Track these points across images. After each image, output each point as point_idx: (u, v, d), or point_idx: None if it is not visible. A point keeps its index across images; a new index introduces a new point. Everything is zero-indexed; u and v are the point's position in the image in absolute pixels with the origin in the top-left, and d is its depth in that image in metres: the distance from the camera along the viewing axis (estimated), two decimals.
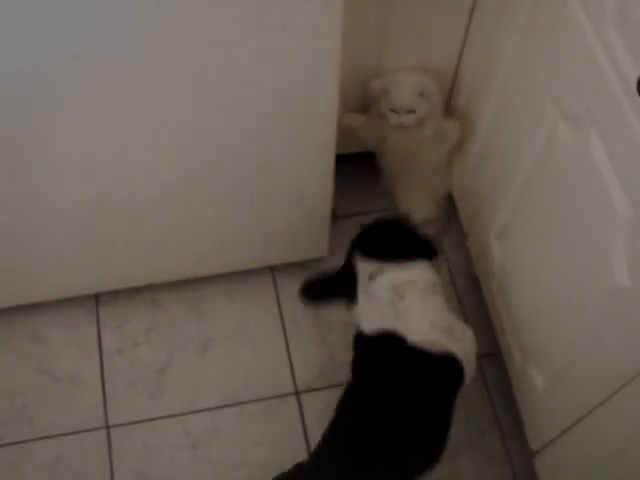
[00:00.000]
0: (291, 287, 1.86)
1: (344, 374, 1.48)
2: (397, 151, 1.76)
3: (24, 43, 1.14)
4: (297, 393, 1.75)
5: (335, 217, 1.86)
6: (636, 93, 1.00)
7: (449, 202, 1.89)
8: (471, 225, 1.76)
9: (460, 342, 1.40)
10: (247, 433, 1.71)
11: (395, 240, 1.50)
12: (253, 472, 1.66)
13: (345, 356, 1.49)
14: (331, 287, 1.56)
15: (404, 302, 1.39)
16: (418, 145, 1.74)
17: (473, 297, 1.84)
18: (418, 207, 1.84)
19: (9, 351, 1.77)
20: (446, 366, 1.38)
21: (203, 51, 1.23)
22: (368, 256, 1.45)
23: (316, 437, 1.40)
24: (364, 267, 1.44)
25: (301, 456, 1.46)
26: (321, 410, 1.70)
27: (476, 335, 1.81)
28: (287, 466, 1.40)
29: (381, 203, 1.91)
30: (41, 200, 1.46)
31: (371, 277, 1.42)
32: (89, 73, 1.21)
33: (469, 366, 1.41)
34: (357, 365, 1.44)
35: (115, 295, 1.83)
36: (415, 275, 1.42)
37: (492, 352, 1.78)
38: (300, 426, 1.71)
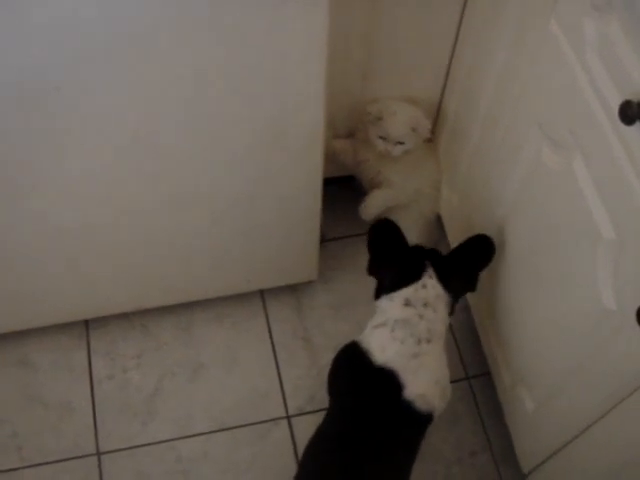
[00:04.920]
0: (281, 311, 1.86)
1: None
2: (378, 179, 1.78)
3: (8, 72, 1.15)
4: (288, 417, 1.75)
5: (323, 240, 1.87)
6: (618, 118, 1.01)
7: (438, 224, 1.90)
8: None
9: (443, 401, 1.40)
10: (238, 458, 1.70)
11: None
12: None
13: None
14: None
15: (429, 345, 1.37)
16: (397, 172, 1.76)
17: (462, 318, 1.85)
18: (404, 231, 1.85)
19: None
20: (423, 422, 1.37)
21: (188, 79, 1.24)
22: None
23: None
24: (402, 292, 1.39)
25: None
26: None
27: (466, 356, 1.83)
28: None
29: (369, 226, 1.91)
30: (28, 227, 1.46)
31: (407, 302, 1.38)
32: (73, 101, 1.22)
33: (437, 416, 1.41)
34: (340, 385, 1.43)
35: (105, 321, 1.82)
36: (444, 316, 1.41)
37: (483, 373, 1.78)
38: (292, 450, 1.70)
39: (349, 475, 1.31)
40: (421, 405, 1.34)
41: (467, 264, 1.46)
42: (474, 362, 1.81)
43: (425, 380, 1.35)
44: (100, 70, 1.18)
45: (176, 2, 1.11)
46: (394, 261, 1.44)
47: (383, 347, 1.36)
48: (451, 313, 1.44)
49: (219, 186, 1.48)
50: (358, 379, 1.39)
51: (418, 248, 1.47)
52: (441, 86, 1.71)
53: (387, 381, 1.34)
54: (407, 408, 1.33)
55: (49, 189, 1.39)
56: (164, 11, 1.12)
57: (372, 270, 1.47)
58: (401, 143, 1.69)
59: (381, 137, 1.69)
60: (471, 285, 1.47)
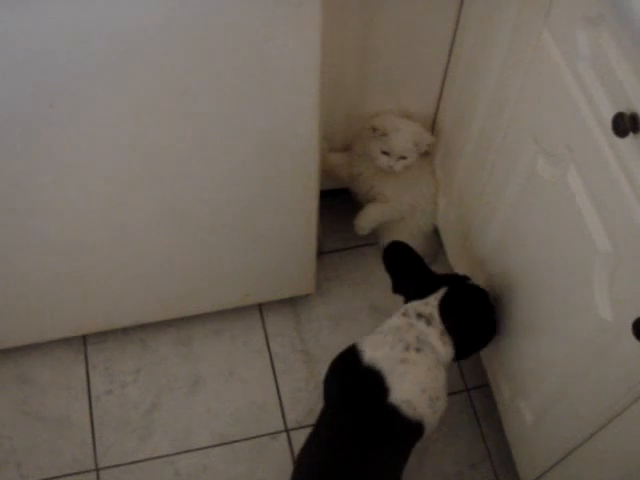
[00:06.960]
0: (279, 324, 1.86)
1: None
2: (372, 193, 1.78)
3: (2, 90, 1.15)
4: (287, 430, 1.74)
5: (321, 253, 1.86)
6: (611, 131, 1.01)
7: (435, 236, 1.89)
8: (457, 258, 1.77)
9: (435, 413, 1.40)
10: (237, 472, 1.69)
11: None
12: None
13: None
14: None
15: (418, 354, 1.38)
16: (391, 187, 1.76)
17: None
18: None
19: None
20: (412, 430, 1.38)
21: (184, 94, 1.24)
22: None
23: None
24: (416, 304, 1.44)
25: None
26: None
27: (465, 368, 1.82)
28: None
29: (366, 239, 1.92)
30: (26, 244, 1.46)
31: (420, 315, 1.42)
32: (68, 118, 1.22)
33: (430, 429, 1.41)
34: (332, 388, 1.45)
35: (103, 336, 1.82)
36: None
37: (482, 384, 1.78)
38: (290, 464, 1.70)
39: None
40: (407, 411, 1.35)
41: (468, 332, 1.46)
42: (473, 374, 1.81)
43: (410, 386, 1.36)
44: (94, 85, 1.18)
45: (175, 20, 1.11)
46: (413, 283, 1.49)
47: (374, 348, 1.40)
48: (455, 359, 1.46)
49: (216, 200, 1.48)
50: (348, 378, 1.41)
51: (452, 277, 1.51)
52: (436, 99, 1.71)
53: (374, 382, 1.36)
54: (394, 413, 1.35)
55: (47, 206, 1.39)
56: (156, 28, 1.12)
57: (396, 290, 1.52)
58: (403, 158, 1.70)
59: (384, 152, 1.69)
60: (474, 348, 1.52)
